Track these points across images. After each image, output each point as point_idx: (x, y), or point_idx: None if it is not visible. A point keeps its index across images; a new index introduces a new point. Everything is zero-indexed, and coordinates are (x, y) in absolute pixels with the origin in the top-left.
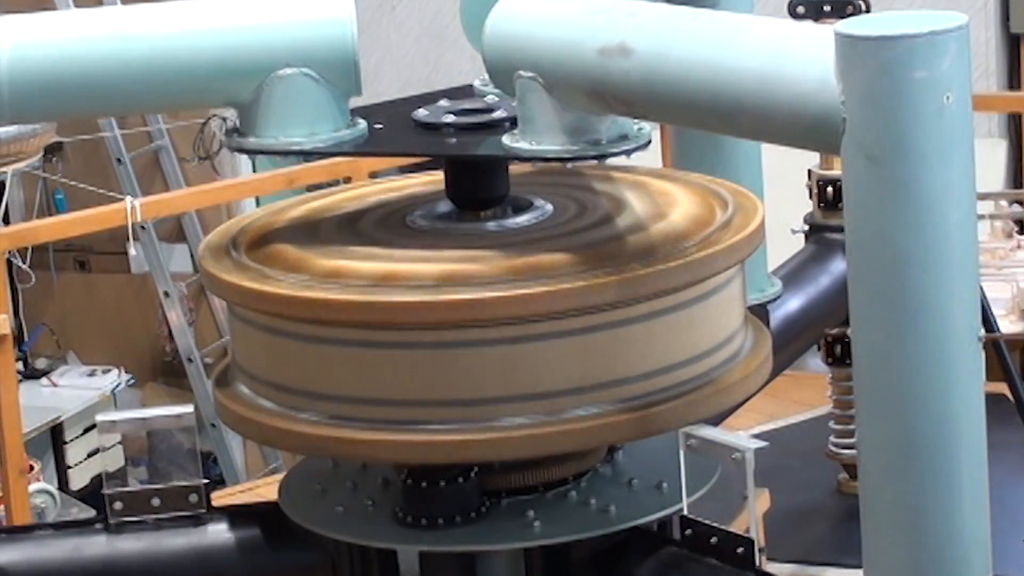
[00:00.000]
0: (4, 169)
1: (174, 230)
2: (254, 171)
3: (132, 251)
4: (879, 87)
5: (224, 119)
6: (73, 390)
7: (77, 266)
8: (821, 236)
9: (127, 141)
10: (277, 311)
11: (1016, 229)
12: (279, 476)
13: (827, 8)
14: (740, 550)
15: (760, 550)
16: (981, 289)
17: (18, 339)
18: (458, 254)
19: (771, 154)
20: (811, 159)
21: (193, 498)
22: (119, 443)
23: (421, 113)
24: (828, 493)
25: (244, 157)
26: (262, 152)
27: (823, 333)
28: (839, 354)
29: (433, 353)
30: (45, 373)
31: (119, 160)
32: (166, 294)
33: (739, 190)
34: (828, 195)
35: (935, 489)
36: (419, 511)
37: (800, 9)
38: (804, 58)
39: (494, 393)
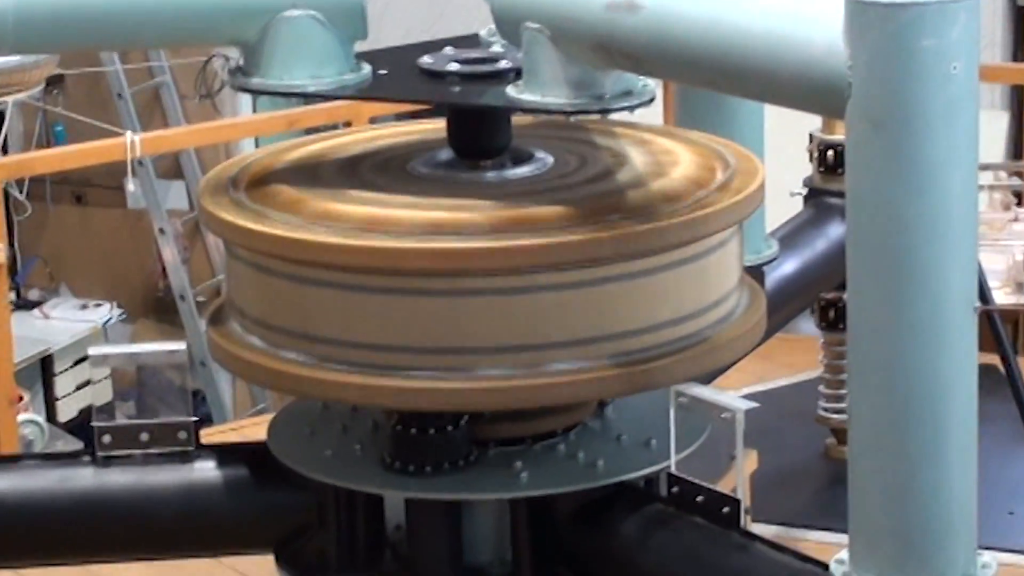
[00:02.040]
0: (4, 99)
1: (172, 167)
2: (255, 111)
3: (129, 186)
4: (887, 53)
5: (227, 58)
6: (64, 322)
7: (74, 199)
8: (819, 200)
9: (129, 76)
10: (265, 250)
11: (1014, 201)
12: (267, 416)
13: None
14: (726, 510)
15: (746, 510)
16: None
17: (11, 270)
18: (452, 202)
19: (772, 116)
20: (813, 122)
21: (182, 435)
22: (109, 377)
23: (425, 60)
24: (815, 457)
25: (245, 97)
26: (265, 93)
27: (817, 297)
28: (832, 318)
29: (424, 300)
30: (37, 304)
31: (120, 95)
32: (161, 231)
33: (740, 150)
34: (828, 159)
35: (924, 458)
36: (407, 457)
37: None
38: (813, 22)
39: (485, 343)
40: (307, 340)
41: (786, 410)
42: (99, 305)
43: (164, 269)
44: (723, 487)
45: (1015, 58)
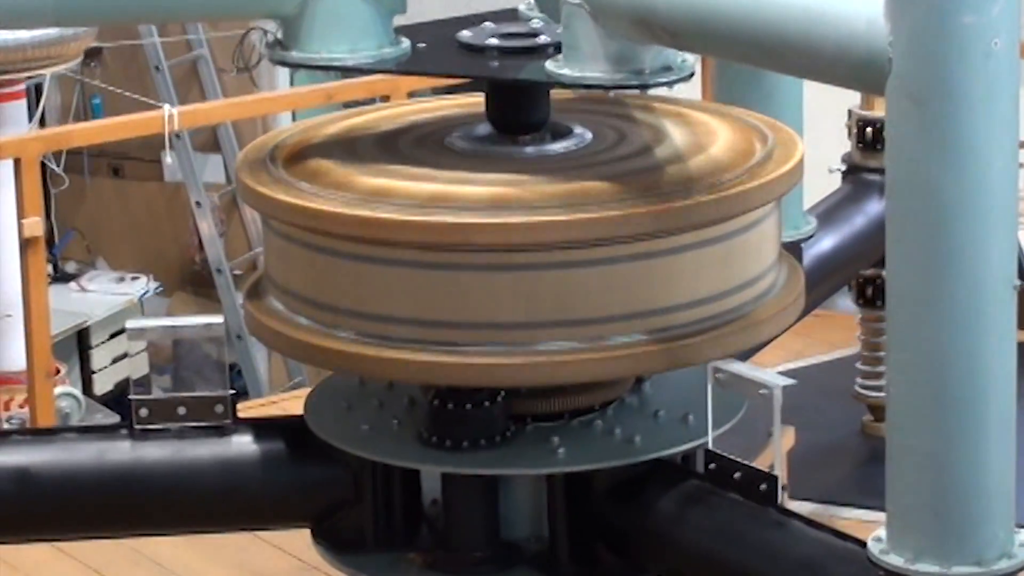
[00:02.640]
0: (43, 72)
1: (209, 140)
2: (292, 85)
3: (167, 159)
4: (927, 29)
5: (265, 31)
6: (101, 295)
7: (111, 172)
8: (858, 176)
9: (166, 49)
10: (318, 227)
11: None
12: (303, 390)
13: None
14: (763, 486)
15: (783, 487)
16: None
17: (49, 242)
18: (500, 178)
19: (811, 92)
20: (851, 99)
21: (219, 409)
22: (145, 350)
23: (465, 35)
24: (852, 434)
25: (282, 70)
26: (304, 66)
27: (855, 274)
28: (870, 296)
29: (469, 275)
30: (74, 277)
31: (157, 68)
32: (198, 204)
33: (779, 126)
34: (867, 136)
35: (962, 435)
36: (444, 432)
37: None
38: None
39: (526, 318)
40: (344, 315)
41: (824, 387)
42: (136, 278)
43: (200, 242)
44: (760, 464)
45: None
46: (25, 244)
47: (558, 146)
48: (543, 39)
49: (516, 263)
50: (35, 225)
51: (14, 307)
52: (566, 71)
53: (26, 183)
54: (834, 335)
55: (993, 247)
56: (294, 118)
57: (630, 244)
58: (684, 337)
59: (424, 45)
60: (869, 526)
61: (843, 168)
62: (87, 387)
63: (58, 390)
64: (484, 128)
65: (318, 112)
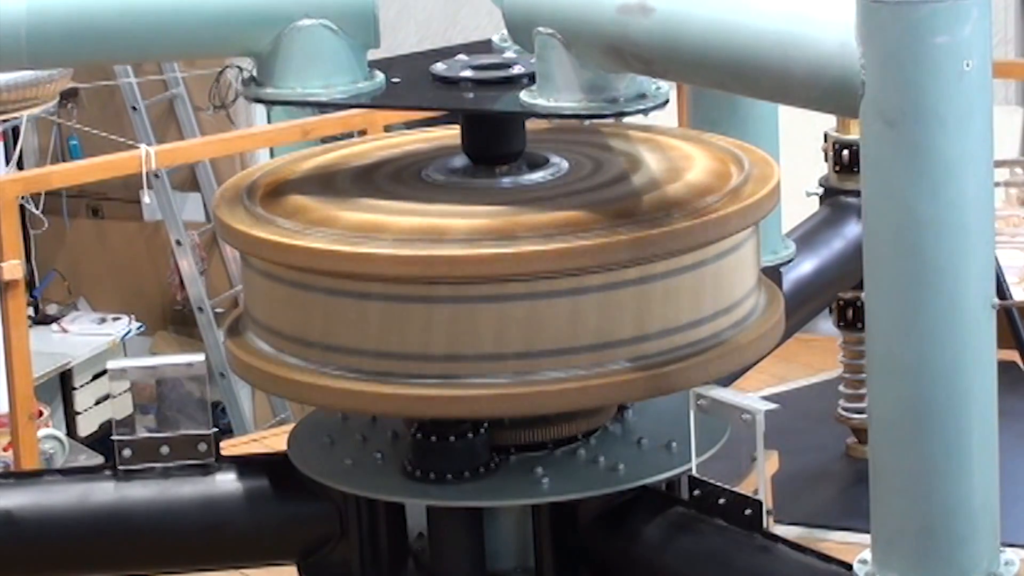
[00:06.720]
0: (19, 114)
1: (187, 179)
2: (269, 121)
3: (145, 199)
4: (900, 51)
5: (240, 69)
6: (83, 336)
7: (90, 213)
8: (836, 199)
9: (143, 88)
10: (281, 260)
11: None
12: (288, 427)
13: None
14: (748, 511)
15: (768, 512)
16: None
17: (29, 284)
18: (480, 210)
19: (787, 117)
20: (827, 122)
21: (202, 447)
22: (128, 390)
23: (439, 67)
24: (836, 457)
25: (259, 107)
26: (279, 102)
27: (835, 296)
28: (851, 318)
29: (449, 308)
30: (55, 319)
31: (134, 107)
32: (178, 243)
33: (755, 151)
34: (844, 158)
35: (945, 455)
36: (428, 465)
37: None
38: (825, 21)
39: (506, 349)
40: (325, 351)
41: (806, 411)
42: (117, 318)
43: (181, 281)
44: (744, 489)
45: None
46: (5, 287)
47: (535, 176)
48: (517, 70)
49: (496, 294)
50: (15, 268)
51: None
52: (540, 101)
53: (5, 226)
54: (816, 358)
55: (971, 266)
56: (272, 155)
57: (609, 272)
58: (665, 364)
59: (399, 79)
60: (855, 548)
61: (820, 191)
62: (71, 429)
63: (41, 432)
64: (460, 160)
65: (295, 148)
